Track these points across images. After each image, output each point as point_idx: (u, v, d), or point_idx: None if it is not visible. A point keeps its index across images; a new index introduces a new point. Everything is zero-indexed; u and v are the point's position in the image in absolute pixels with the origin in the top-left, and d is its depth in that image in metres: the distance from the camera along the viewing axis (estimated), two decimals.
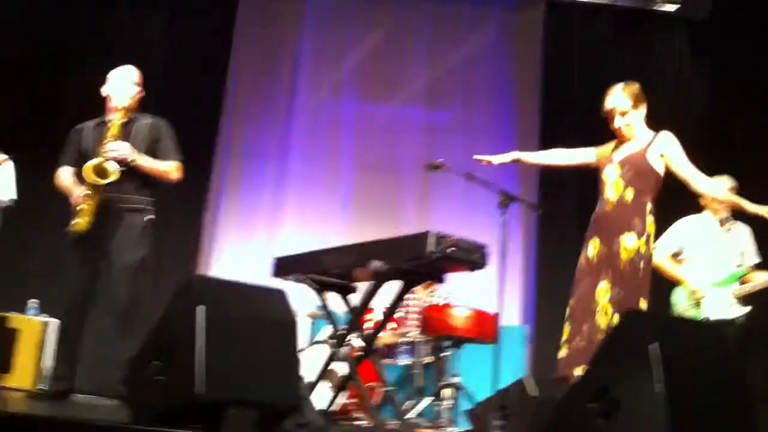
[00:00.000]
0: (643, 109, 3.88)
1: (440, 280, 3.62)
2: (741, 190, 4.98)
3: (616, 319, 3.56)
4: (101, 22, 6.86)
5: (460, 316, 5.05)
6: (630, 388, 2.80)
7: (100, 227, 4.09)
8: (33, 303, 5.73)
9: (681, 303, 4.88)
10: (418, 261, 3.25)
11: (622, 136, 3.87)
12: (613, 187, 3.79)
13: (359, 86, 7.34)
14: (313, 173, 7.12)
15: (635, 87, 3.87)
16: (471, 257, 3.26)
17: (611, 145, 3.97)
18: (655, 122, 6.90)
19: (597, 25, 7.34)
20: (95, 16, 6.83)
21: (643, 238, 3.68)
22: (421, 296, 5.78)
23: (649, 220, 3.71)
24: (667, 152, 3.78)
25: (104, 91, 4.36)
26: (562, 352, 3.67)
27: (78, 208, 4.09)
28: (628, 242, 3.66)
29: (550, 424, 3.29)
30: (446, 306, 5.39)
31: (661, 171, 3.78)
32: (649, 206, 3.73)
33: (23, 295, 5.75)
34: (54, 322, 5.54)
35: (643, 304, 3.62)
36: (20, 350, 5.38)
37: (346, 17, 7.38)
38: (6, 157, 4.84)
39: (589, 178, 6.73)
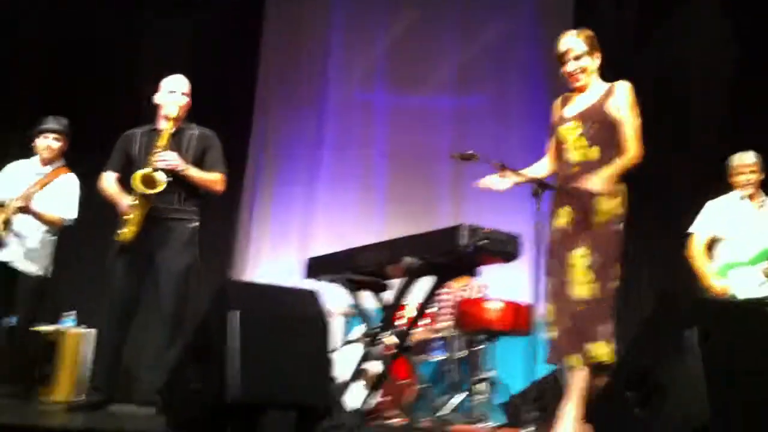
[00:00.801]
0: (597, 59, 3.61)
1: (474, 274, 3.56)
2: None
3: (598, 288, 3.30)
4: (126, 24, 6.88)
5: (494, 310, 5.01)
6: (670, 374, 2.76)
7: (147, 236, 4.14)
8: (70, 314, 5.78)
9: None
10: (451, 255, 3.20)
11: (575, 81, 3.59)
12: (575, 147, 3.50)
13: (390, 75, 7.29)
14: (346, 166, 7.11)
15: (590, 33, 3.60)
16: (505, 249, 3.21)
17: (557, 102, 3.70)
18: (683, 99, 6.88)
19: (626, 4, 7.22)
20: (121, 20, 6.85)
21: (619, 198, 3.43)
22: (455, 290, 5.75)
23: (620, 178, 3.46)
24: (621, 106, 3.48)
25: (156, 99, 4.41)
26: (554, 334, 3.36)
27: (125, 217, 4.14)
28: (604, 204, 3.39)
29: (588, 413, 3.26)
30: (480, 300, 5.35)
31: None
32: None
33: (60, 306, 5.81)
34: (92, 333, 5.60)
35: (618, 270, 3.38)
36: (59, 363, 5.44)
37: (374, 4, 7.34)
38: (68, 172, 4.92)
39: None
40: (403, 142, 7.05)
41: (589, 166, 3.43)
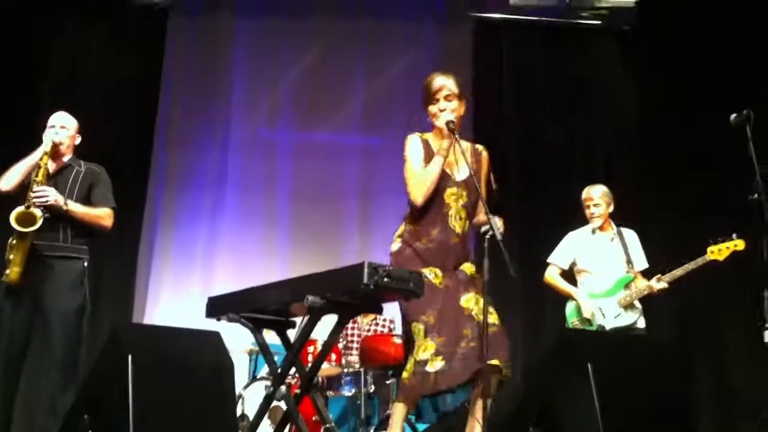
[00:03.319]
0: (463, 107, 3.60)
1: (378, 311, 3.57)
2: (673, 194, 5.11)
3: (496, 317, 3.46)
4: (31, 55, 6.69)
5: (399, 345, 5.00)
6: (570, 408, 2.83)
7: (34, 277, 4.02)
8: None
9: (572, 316, 4.99)
10: (354, 293, 3.19)
11: (449, 127, 3.48)
12: (458, 216, 3.53)
13: (294, 113, 7.29)
14: (249, 204, 7.03)
15: (458, 79, 3.60)
16: (407, 286, 3.20)
17: (417, 142, 3.61)
18: (589, 132, 7.13)
19: (525, 41, 7.43)
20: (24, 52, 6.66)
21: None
22: (363, 325, 5.74)
23: None
24: (484, 173, 3.62)
25: (43, 135, 4.31)
26: (438, 364, 3.34)
27: (7, 258, 4.01)
28: (470, 268, 3.56)
29: None
30: (385, 336, 5.37)
31: None
32: None
33: None
34: None
35: None
36: None
37: (278, 40, 7.33)
38: None
39: (531, 199, 6.90)
40: (308, 179, 7.04)
41: (464, 239, 3.55)
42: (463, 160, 3.51)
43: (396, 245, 3.63)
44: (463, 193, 3.52)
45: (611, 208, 5.02)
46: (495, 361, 3.33)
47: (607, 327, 4.79)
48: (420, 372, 3.37)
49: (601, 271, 4.94)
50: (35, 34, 6.72)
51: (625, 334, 4.71)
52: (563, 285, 5.04)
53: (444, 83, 3.55)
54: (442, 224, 3.51)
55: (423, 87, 3.64)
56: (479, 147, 3.72)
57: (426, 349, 3.40)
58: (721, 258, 4.66)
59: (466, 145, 3.64)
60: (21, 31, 6.63)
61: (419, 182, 3.51)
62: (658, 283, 4.75)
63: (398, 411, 3.52)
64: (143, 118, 6.92)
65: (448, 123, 3.48)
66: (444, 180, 3.53)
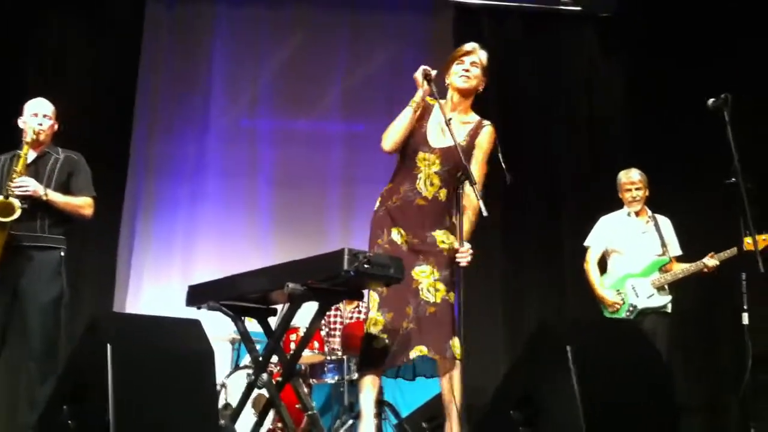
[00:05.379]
0: (483, 85, 3.62)
1: (359, 298, 3.57)
2: (655, 183, 5.15)
3: (452, 295, 3.45)
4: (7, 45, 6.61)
5: None
6: (551, 393, 2.84)
7: (10, 267, 3.99)
8: None
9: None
10: (334, 280, 3.19)
11: (466, 80, 3.54)
12: (428, 182, 3.50)
13: (275, 100, 7.24)
14: (231, 192, 7.00)
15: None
16: (387, 272, 3.21)
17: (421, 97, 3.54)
18: (569, 119, 7.14)
19: (506, 29, 7.41)
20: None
21: (454, 234, 3.51)
22: (345, 313, 5.74)
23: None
24: (481, 152, 3.57)
25: (19, 123, 4.28)
26: (382, 342, 3.40)
27: None
28: (444, 237, 3.50)
29: None
30: (362, 322, 5.37)
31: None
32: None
33: None
34: None
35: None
36: None
37: (259, 28, 7.27)
38: None
39: (514, 187, 6.89)
40: (290, 167, 7.01)
41: (435, 204, 3.51)
42: (453, 124, 3.47)
43: (377, 203, 3.67)
44: (436, 160, 3.50)
45: (647, 192, 5.07)
46: (420, 348, 3.35)
47: (640, 306, 4.89)
48: (369, 347, 3.44)
49: (632, 252, 5.01)
50: (13, 23, 6.63)
51: (610, 319, 4.75)
52: (591, 275, 5.09)
53: (474, 47, 3.58)
54: (410, 184, 3.53)
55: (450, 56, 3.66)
56: (484, 122, 3.65)
57: (376, 324, 3.46)
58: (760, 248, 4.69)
59: (470, 117, 3.62)
60: None
61: (388, 130, 3.57)
62: (711, 260, 4.82)
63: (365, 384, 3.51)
64: (122, 107, 6.85)
65: (424, 71, 3.48)
66: (418, 143, 3.54)
